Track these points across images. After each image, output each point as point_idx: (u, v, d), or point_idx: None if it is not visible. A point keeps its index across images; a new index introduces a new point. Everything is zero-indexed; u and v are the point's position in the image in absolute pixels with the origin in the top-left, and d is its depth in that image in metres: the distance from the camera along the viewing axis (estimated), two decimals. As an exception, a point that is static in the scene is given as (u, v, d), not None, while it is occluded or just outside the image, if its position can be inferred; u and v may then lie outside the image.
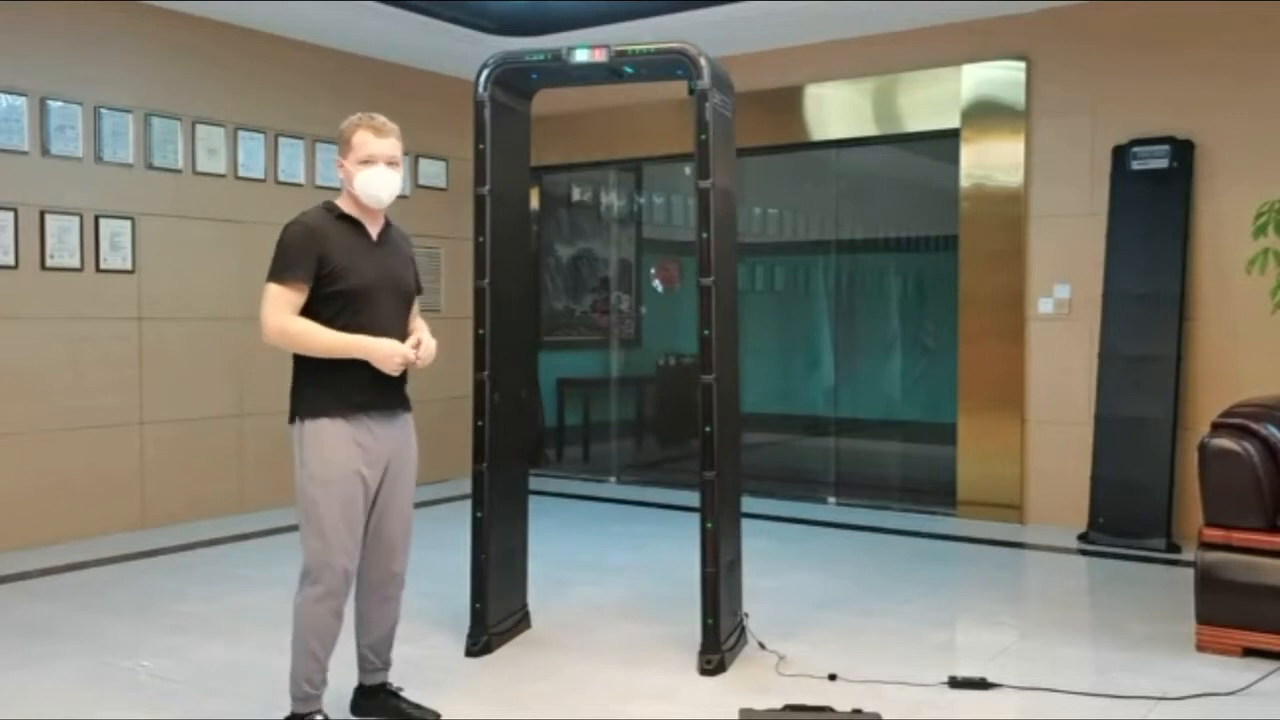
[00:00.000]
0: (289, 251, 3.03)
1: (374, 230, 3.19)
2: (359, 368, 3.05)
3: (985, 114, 6.41)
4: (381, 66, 7.34)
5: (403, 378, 3.20)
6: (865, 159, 7.34)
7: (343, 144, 3.14)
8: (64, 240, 5.79)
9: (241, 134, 6.58)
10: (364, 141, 3.11)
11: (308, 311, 3.05)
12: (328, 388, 3.05)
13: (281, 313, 3.01)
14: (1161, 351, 5.79)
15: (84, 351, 5.89)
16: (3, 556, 5.40)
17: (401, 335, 3.17)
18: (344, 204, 3.17)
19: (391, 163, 3.12)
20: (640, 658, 3.95)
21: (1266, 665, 3.78)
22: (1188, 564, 4.48)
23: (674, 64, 3.79)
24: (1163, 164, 5.85)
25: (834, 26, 6.60)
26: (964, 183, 6.49)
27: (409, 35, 6.74)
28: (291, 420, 3.11)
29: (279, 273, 3.03)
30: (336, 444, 3.04)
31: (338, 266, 3.04)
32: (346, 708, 3.34)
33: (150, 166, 6.16)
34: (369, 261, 3.12)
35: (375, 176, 3.10)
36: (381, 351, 3.04)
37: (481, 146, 3.97)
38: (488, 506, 3.96)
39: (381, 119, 3.16)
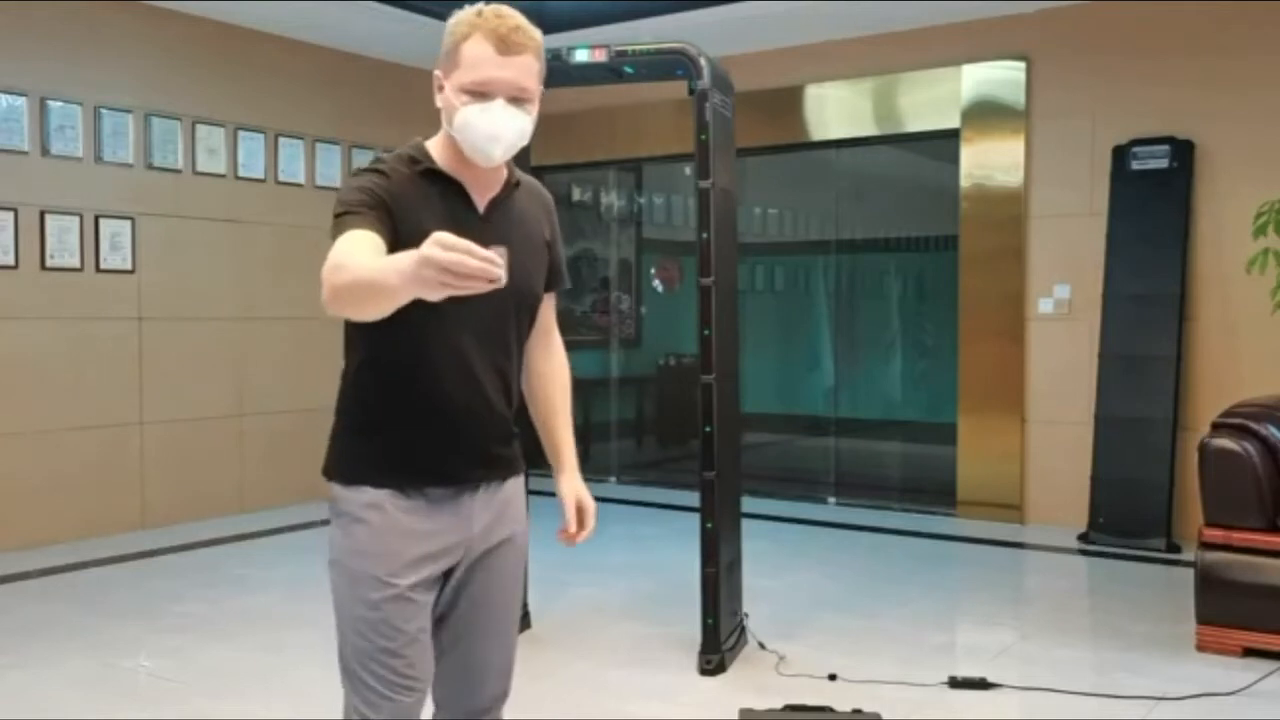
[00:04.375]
0: (342, 208, 1.80)
1: (482, 196, 1.94)
2: (414, 410, 1.89)
3: (985, 114, 6.41)
4: (381, 66, 7.34)
5: (491, 431, 1.97)
6: (865, 159, 7.34)
7: (444, 54, 1.89)
8: (64, 240, 5.79)
9: (241, 134, 6.58)
10: (477, 58, 1.85)
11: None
12: (362, 437, 1.95)
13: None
14: (1161, 351, 5.79)
15: (84, 351, 5.89)
16: (3, 556, 5.39)
17: (504, 360, 1.97)
18: (438, 150, 1.93)
19: (518, 98, 1.90)
20: (640, 658, 3.95)
21: (1266, 665, 3.78)
22: (1188, 564, 4.48)
23: (674, 64, 3.79)
24: (1163, 164, 5.85)
25: (834, 26, 6.60)
26: (964, 183, 6.48)
27: (409, 35, 6.74)
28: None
29: (334, 235, 1.77)
30: (366, 524, 1.90)
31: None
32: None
33: (150, 166, 6.16)
34: None
35: (487, 117, 1.85)
36: (413, 265, 1.50)
37: (481, 146, 3.95)
38: (488, 506, 3.95)
39: (514, 20, 1.91)
